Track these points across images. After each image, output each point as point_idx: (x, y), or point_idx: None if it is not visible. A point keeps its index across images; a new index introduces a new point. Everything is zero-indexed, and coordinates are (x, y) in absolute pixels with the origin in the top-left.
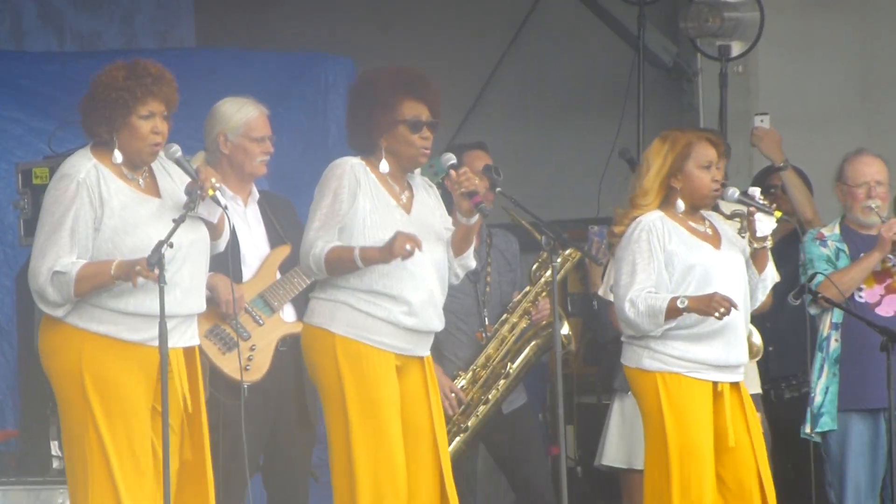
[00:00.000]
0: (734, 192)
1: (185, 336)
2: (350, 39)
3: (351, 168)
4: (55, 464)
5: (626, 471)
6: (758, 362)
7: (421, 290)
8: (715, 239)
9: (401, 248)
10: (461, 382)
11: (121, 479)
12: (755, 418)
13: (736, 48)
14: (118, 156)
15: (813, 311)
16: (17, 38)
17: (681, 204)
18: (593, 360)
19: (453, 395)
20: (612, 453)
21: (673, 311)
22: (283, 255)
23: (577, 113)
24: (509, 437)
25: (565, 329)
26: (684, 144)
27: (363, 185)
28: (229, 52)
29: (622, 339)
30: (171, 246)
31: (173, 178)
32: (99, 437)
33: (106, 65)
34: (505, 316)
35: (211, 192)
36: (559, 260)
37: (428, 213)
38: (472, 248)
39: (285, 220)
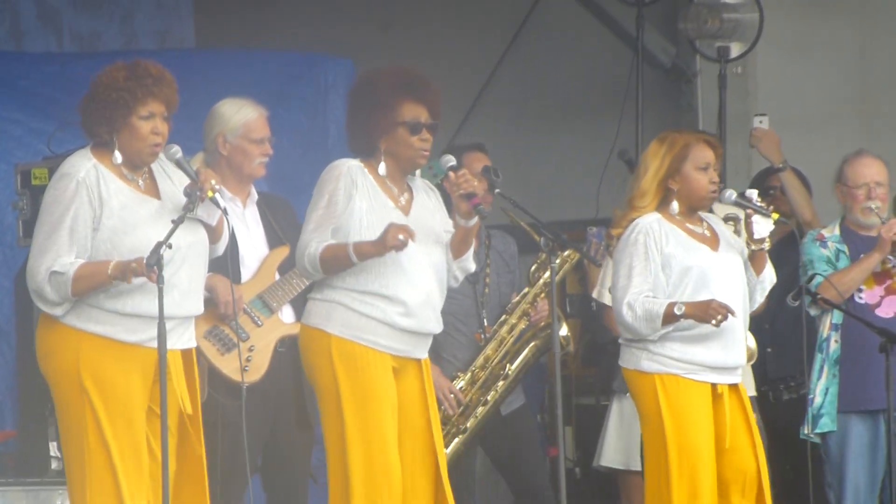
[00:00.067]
0: (731, 193)
1: (183, 338)
2: (350, 40)
3: (348, 170)
4: (54, 464)
5: (625, 472)
6: (756, 363)
7: (418, 291)
8: (713, 241)
9: (393, 239)
10: (460, 384)
11: (124, 477)
12: (754, 420)
13: (735, 49)
14: (118, 156)
15: (813, 312)
16: (17, 38)
17: (675, 205)
18: (592, 361)
19: (452, 395)
20: (611, 454)
21: (670, 317)
22: (281, 256)
23: (575, 114)
24: (508, 438)
25: (564, 330)
26: (682, 146)
27: (360, 186)
28: (229, 53)
29: (620, 341)
30: (169, 247)
31: (173, 181)
32: (100, 436)
33: (105, 65)
34: (504, 317)
35: (210, 194)
36: (558, 261)
37: (427, 216)
38: (471, 251)
39: (284, 222)
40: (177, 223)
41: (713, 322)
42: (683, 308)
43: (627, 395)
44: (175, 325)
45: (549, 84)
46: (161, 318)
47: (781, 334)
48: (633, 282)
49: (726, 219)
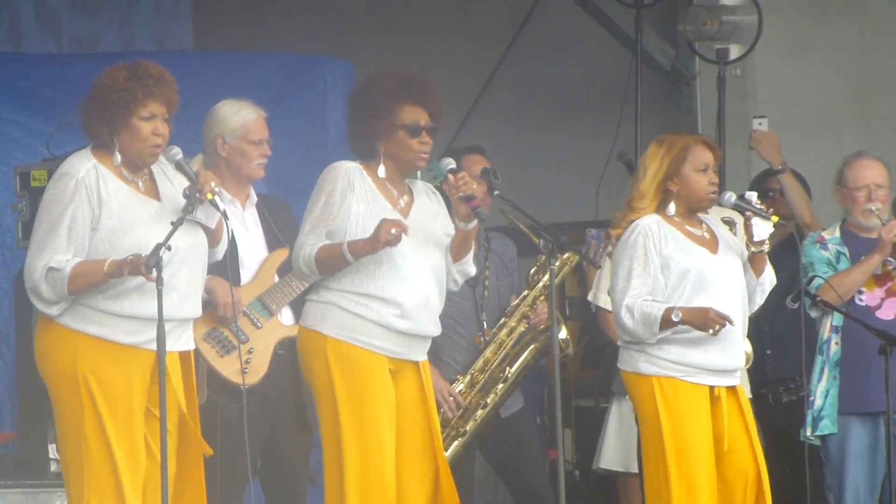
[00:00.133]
0: (731, 196)
1: (181, 340)
2: (349, 42)
3: (345, 172)
4: (53, 467)
5: (624, 474)
6: (755, 365)
7: (414, 293)
8: (712, 243)
9: (386, 233)
10: (459, 386)
11: (121, 479)
12: (753, 422)
13: (734, 51)
14: (118, 157)
15: (814, 314)
16: (15, 40)
17: (672, 207)
18: (591, 363)
19: (451, 398)
20: (610, 457)
21: (667, 323)
22: (281, 258)
23: (574, 116)
24: (507, 441)
25: (563, 333)
26: (680, 148)
27: (357, 188)
28: (227, 55)
29: (619, 343)
30: (168, 249)
31: (173, 183)
32: (97, 437)
33: (105, 67)
34: (503, 320)
35: (209, 196)
36: (557, 263)
37: (427, 219)
38: (470, 254)
39: (283, 224)
40: (176, 225)
41: (710, 332)
42: (681, 314)
43: (626, 397)
44: (173, 327)
45: (548, 86)
46: (160, 320)
47: (781, 336)
48: (632, 284)
49: (723, 222)
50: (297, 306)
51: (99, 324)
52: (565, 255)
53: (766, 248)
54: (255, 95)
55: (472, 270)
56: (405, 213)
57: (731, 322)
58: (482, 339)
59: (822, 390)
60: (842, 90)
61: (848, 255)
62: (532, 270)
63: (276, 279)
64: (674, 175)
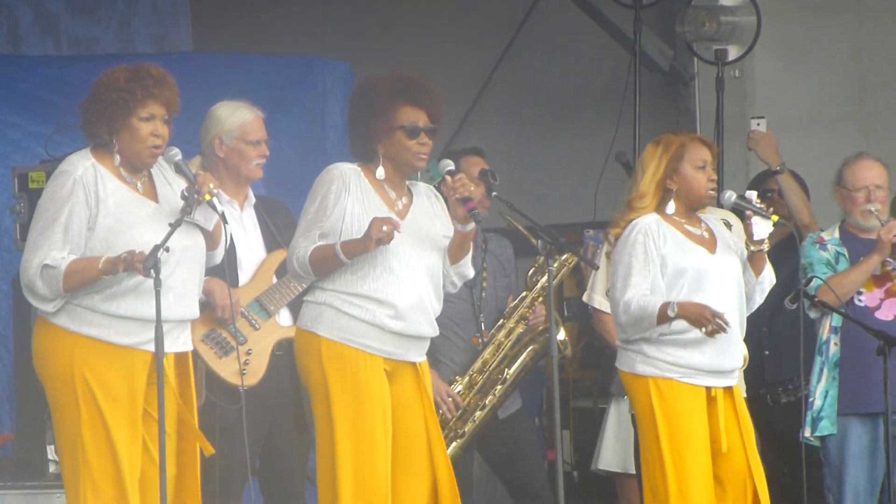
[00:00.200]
0: (731, 195)
1: (178, 341)
2: (348, 43)
3: (341, 174)
4: (52, 468)
5: (622, 475)
6: (754, 367)
7: (408, 294)
8: (711, 243)
9: (378, 231)
10: (458, 388)
11: (117, 480)
12: (748, 422)
13: (733, 52)
14: (118, 158)
15: (813, 314)
16: (14, 43)
17: (671, 205)
18: (589, 364)
19: (450, 399)
20: (609, 458)
21: (664, 318)
22: (279, 259)
23: (573, 117)
24: (505, 442)
25: (562, 334)
26: (678, 146)
27: (353, 190)
28: (226, 57)
29: (617, 342)
30: (167, 250)
31: (172, 187)
32: (93, 438)
33: (104, 69)
34: (501, 321)
35: (207, 197)
36: (555, 265)
37: (426, 220)
38: (468, 257)
39: (282, 225)
40: (174, 226)
41: (703, 330)
42: (677, 309)
43: (625, 398)
44: (169, 328)
45: (546, 87)
46: (158, 321)
47: (779, 337)
48: (632, 281)
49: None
50: (296, 307)
51: (95, 325)
52: (564, 257)
53: (765, 247)
54: (253, 97)
55: (471, 273)
56: (402, 215)
57: (726, 325)
58: (480, 340)
59: (822, 391)
60: (840, 91)
61: (847, 256)
62: (530, 271)
63: (275, 280)
64: (672, 173)
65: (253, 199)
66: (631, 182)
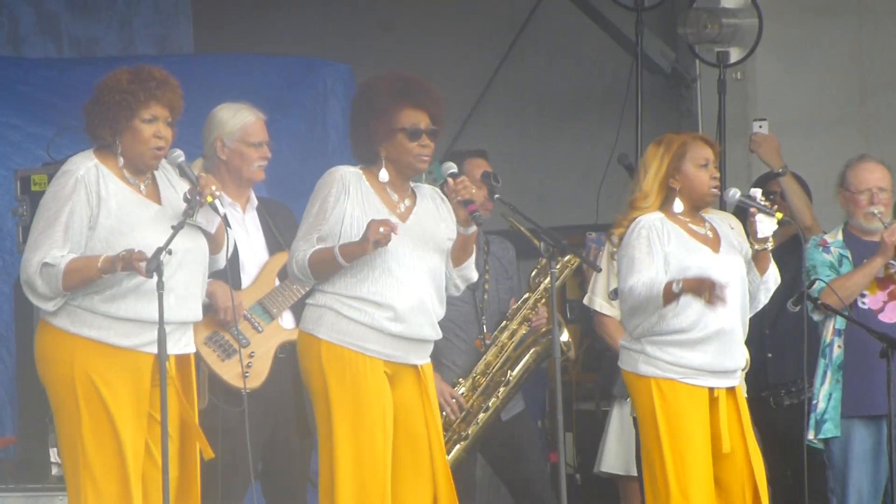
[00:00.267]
0: (735, 192)
1: (180, 343)
2: (349, 45)
3: (341, 177)
4: (54, 470)
5: (625, 477)
6: (756, 369)
7: (408, 296)
8: (714, 242)
9: (375, 233)
10: (461, 390)
11: (118, 482)
12: (749, 423)
13: (734, 54)
14: (121, 160)
15: (816, 317)
16: (15, 44)
17: (679, 204)
18: (592, 367)
19: (454, 401)
20: (611, 460)
21: (669, 295)
22: (281, 261)
23: (575, 119)
24: (507, 444)
25: (565, 336)
26: (679, 145)
27: (353, 193)
28: (227, 58)
29: (621, 341)
30: (169, 253)
31: (176, 190)
32: (94, 441)
33: (104, 71)
34: (504, 323)
35: (209, 199)
36: (558, 266)
37: (430, 223)
38: (471, 260)
39: (284, 227)
40: (177, 228)
41: (705, 297)
42: (682, 284)
43: (628, 400)
44: (171, 329)
45: (548, 89)
46: (161, 324)
47: (782, 339)
48: (636, 268)
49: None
50: (298, 310)
51: (95, 326)
52: (566, 258)
53: (769, 245)
54: (254, 98)
55: (474, 276)
56: (405, 217)
57: (724, 297)
58: (482, 342)
59: (825, 394)
60: (842, 93)
61: (850, 259)
62: (533, 273)
63: (277, 283)
64: (675, 172)
65: (255, 202)
66: (633, 183)
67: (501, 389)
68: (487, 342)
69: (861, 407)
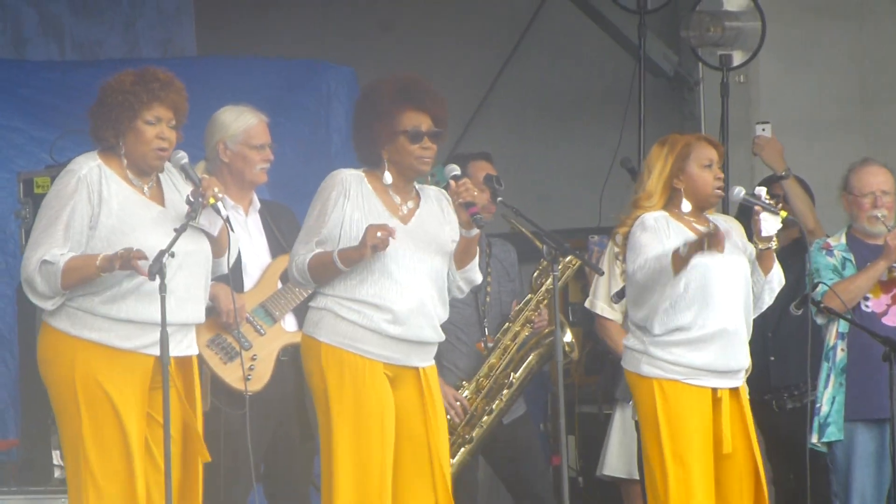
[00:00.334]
0: (740, 191)
1: (181, 345)
2: (352, 47)
3: (342, 180)
4: (56, 473)
5: (628, 480)
6: (759, 372)
7: (407, 299)
8: None
9: (372, 238)
10: (465, 392)
11: (118, 485)
12: (752, 425)
13: (737, 57)
14: (125, 161)
15: (820, 320)
16: (18, 46)
17: (687, 204)
18: (594, 370)
19: (458, 403)
20: (614, 463)
21: (678, 261)
22: (284, 264)
23: (578, 122)
24: (509, 447)
25: (568, 336)
26: (683, 145)
27: (353, 196)
28: (230, 61)
29: (624, 342)
30: (172, 255)
31: (181, 193)
32: (94, 442)
33: (106, 73)
34: (507, 325)
35: (212, 201)
36: (559, 267)
37: (433, 224)
38: (474, 262)
39: (287, 230)
40: (179, 231)
41: (704, 245)
42: (686, 246)
43: (630, 403)
44: (171, 332)
45: (551, 91)
46: (163, 326)
47: (785, 343)
48: (644, 250)
49: None
50: (301, 313)
51: (96, 328)
52: (567, 259)
53: (773, 245)
54: (257, 101)
55: (478, 278)
56: (407, 219)
57: (720, 238)
58: (484, 345)
59: (829, 397)
60: (845, 96)
61: (854, 262)
62: (535, 274)
63: (280, 285)
64: (679, 173)
65: (258, 204)
66: (637, 183)
67: (505, 392)
68: (489, 345)
69: (864, 410)
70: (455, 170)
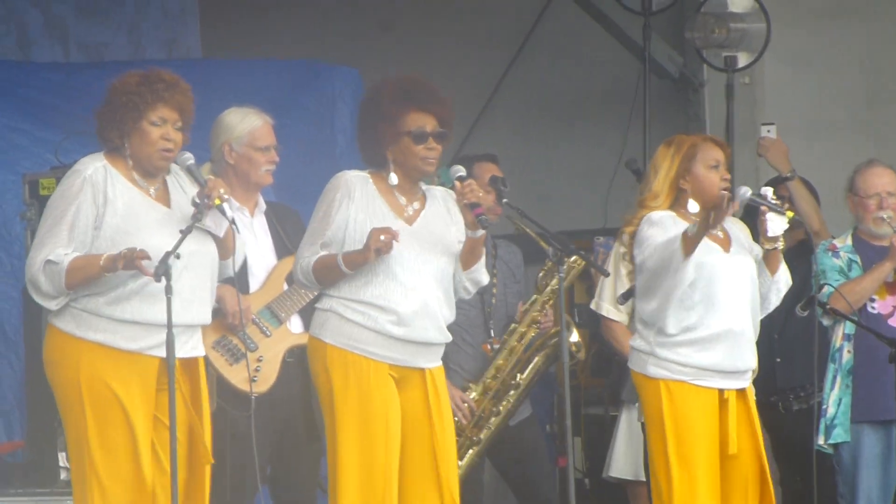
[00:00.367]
0: (746, 190)
1: (186, 347)
2: (356, 48)
3: (346, 182)
4: (62, 474)
5: (634, 482)
6: (765, 374)
7: (411, 300)
8: (725, 241)
9: (376, 241)
10: (472, 394)
11: (121, 487)
12: (759, 426)
13: (742, 59)
14: (130, 162)
15: (826, 322)
16: (24, 48)
17: (694, 204)
18: (600, 371)
19: (465, 405)
20: (620, 465)
21: (688, 241)
22: (290, 265)
23: (583, 124)
24: (515, 448)
25: (574, 336)
26: (689, 146)
27: (357, 197)
28: (235, 62)
29: (630, 343)
30: (178, 257)
31: (187, 195)
32: (99, 445)
33: (110, 75)
34: (513, 326)
35: (217, 202)
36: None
37: (439, 225)
38: (481, 263)
39: (292, 231)
40: (185, 232)
41: (712, 215)
42: (696, 225)
43: (637, 405)
44: (176, 333)
45: (555, 93)
46: (169, 327)
47: (790, 344)
48: (653, 241)
49: None
50: (307, 314)
51: (101, 330)
52: (572, 259)
53: (780, 245)
54: (262, 102)
55: (485, 279)
56: (412, 220)
57: (724, 200)
58: (490, 346)
59: (835, 398)
60: (850, 97)
61: (860, 263)
62: (540, 275)
63: (285, 287)
64: (685, 173)
65: (263, 206)
66: (643, 183)
67: (512, 393)
68: (495, 346)
69: (871, 412)
70: (460, 170)
